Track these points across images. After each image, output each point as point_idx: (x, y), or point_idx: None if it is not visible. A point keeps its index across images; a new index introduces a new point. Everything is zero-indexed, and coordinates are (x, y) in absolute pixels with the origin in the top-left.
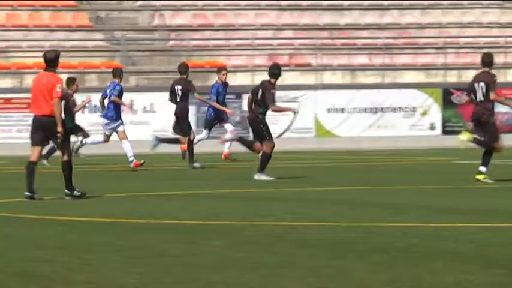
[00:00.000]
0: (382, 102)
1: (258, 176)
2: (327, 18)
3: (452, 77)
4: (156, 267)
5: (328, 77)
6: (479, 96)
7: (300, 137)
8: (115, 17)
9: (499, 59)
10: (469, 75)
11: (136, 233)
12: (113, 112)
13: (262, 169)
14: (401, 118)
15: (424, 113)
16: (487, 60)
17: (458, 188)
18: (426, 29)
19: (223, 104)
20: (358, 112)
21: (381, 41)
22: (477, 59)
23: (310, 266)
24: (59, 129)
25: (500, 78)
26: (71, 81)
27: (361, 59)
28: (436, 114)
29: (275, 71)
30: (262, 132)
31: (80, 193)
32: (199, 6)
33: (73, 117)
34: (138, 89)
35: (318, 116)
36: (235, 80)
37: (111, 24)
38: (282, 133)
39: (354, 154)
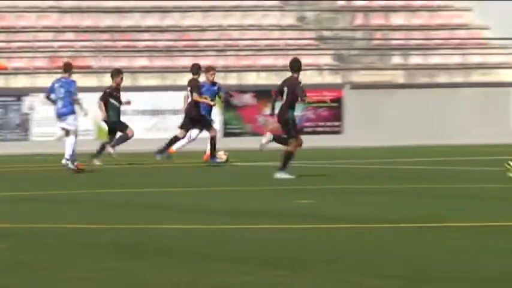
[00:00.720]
0: (163, 105)
1: (279, 175)
2: (108, 21)
3: (232, 80)
4: None
5: (109, 79)
6: None
7: (79, 140)
8: None
9: (278, 61)
10: (249, 78)
11: None
12: (72, 107)
13: (283, 168)
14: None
15: None
16: None
17: (242, 189)
18: (207, 31)
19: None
20: (139, 114)
21: (161, 44)
22: (257, 61)
23: (92, 268)
24: None
25: (279, 81)
26: (116, 72)
27: (142, 61)
28: (216, 117)
29: (297, 64)
30: (290, 130)
31: None
32: None
33: (118, 112)
34: None
35: (98, 118)
36: (16, 82)
37: None
38: (61, 136)
39: (138, 156)
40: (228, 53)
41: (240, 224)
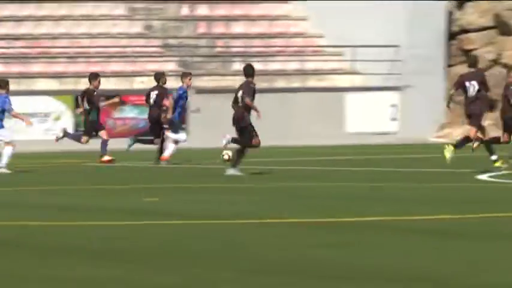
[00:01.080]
0: (18, 109)
1: (231, 171)
2: None
3: (83, 85)
4: None
5: None
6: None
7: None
8: None
9: (126, 67)
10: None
11: None
12: (1, 122)
13: (235, 164)
14: (36, 124)
15: (57, 119)
16: None
17: (89, 188)
18: (58, 39)
19: (184, 108)
20: None
21: (16, 51)
22: (107, 67)
23: None
24: None
25: (126, 86)
26: (93, 76)
27: None
28: (68, 120)
29: (249, 70)
30: (249, 130)
31: None
32: None
33: (98, 111)
34: None
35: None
36: None
37: None
38: None
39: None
40: (79, 59)
41: (81, 220)
